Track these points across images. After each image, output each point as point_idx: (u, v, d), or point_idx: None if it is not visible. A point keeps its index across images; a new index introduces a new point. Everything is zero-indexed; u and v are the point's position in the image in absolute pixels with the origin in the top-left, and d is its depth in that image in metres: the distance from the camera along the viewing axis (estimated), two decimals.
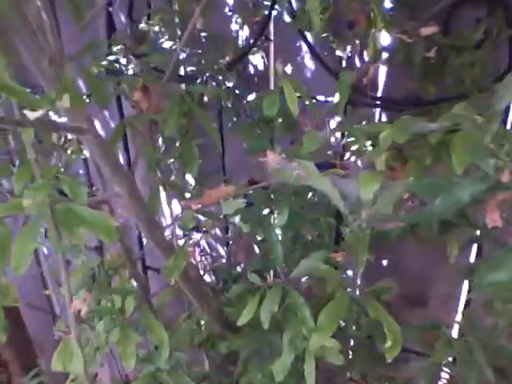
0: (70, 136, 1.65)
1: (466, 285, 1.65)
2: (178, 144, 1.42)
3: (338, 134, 1.56)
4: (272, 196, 0.91)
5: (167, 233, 1.47)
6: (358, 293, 1.27)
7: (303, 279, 1.31)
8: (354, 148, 1.40)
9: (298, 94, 0.86)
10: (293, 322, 1.00)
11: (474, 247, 1.51)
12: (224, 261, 1.93)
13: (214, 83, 1.45)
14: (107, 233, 0.65)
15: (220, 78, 1.42)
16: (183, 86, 1.64)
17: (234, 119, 1.42)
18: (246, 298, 1.11)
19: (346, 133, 1.33)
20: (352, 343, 1.42)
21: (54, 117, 1.43)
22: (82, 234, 0.64)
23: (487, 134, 0.61)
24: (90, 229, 0.65)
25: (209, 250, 2.05)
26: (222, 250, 2.05)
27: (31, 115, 0.56)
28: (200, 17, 1.31)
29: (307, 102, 1.23)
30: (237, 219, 0.90)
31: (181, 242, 1.94)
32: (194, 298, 1.14)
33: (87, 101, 1.37)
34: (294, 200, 1.00)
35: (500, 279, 0.57)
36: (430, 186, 0.62)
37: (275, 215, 1.03)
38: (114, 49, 1.57)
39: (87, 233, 0.69)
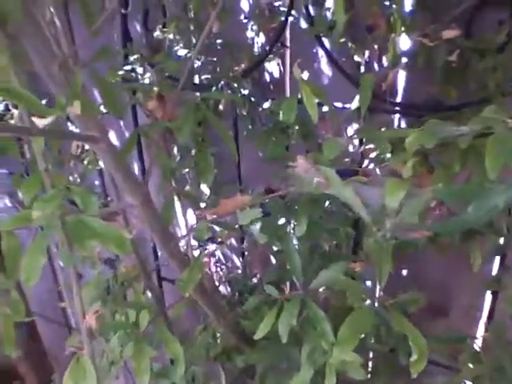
0: (86, 146, 1.64)
1: (488, 295, 1.59)
2: (193, 153, 1.40)
3: (356, 142, 1.52)
4: (289, 205, 0.88)
5: (182, 243, 1.44)
6: (376, 304, 1.23)
7: (320, 290, 1.27)
8: (372, 155, 1.37)
9: (317, 100, 0.83)
10: (312, 336, 0.96)
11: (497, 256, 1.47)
12: (240, 271, 1.90)
13: (229, 91, 1.42)
14: (119, 245, 0.62)
15: (235, 85, 1.39)
16: (198, 94, 1.63)
17: (250, 127, 1.40)
18: (262, 311, 1.07)
19: (365, 140, 1.29)
20: (371, 355, 1.37)
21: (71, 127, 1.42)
22: (92, 246, 0.62)
23: None
24: (101, 241, 0.62)
25: (224, 261, 2.02)
26: (237, 261, 2.02)
27: (40, 122, 0.53)
28: (216, 21, 1.29)
29: (325, 109, 1.21)
30: (253, 229, 0.87)
31: (196, 253, 1.92)
32: (210, 310, 1.11)
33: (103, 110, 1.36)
34: (312, 209, 0.96)
35: None
36: (460, 193, 0.58)
37: (292, 225, 1.00)
38: (131, 58, 1.56)
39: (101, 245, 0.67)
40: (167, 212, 0.96)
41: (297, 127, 1.08)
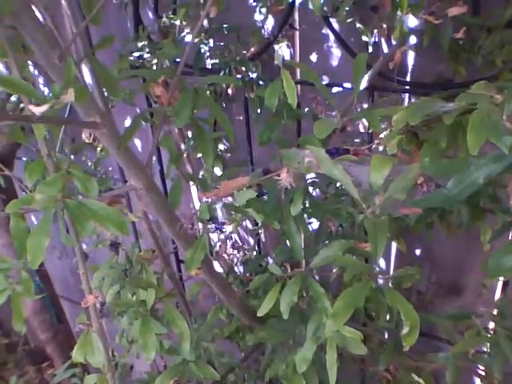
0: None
1: None
2: None
3: (366, 122, 1.52)
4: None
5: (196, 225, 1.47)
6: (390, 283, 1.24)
7: (334, 270, 1.29)
8: (382, 135, 1.36)
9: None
10: (316, 313, 0.98)
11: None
12: (255, 253, 1.92)
13: (238, 75, 1.43)
14: (118, 226, 0.65)
15: (243, 69, 1.40)
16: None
17: (258, 111, 1.40)
18: (270, 289, 1.10)
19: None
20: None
21: None
22: (92, 228, 0.65)
23: (504, 112, 0.58)
24: (100, 223, 0.65)
25: (240, 243, 2.05)
26: (252, 242, 2.05)
27: (36, 110, 0.56)
28: (214, 6, 1.30)
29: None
30: (249, 210, 0.89)
31: (213, 236, 1.95)
32: (219, 290, 1.14)
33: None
34: (313, 190, 0.97)
35: None
36: (445, 168, 0.59)
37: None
38: (139, 44, 1.58)
39: None
40: (174, 196, 0.98)
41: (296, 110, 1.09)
